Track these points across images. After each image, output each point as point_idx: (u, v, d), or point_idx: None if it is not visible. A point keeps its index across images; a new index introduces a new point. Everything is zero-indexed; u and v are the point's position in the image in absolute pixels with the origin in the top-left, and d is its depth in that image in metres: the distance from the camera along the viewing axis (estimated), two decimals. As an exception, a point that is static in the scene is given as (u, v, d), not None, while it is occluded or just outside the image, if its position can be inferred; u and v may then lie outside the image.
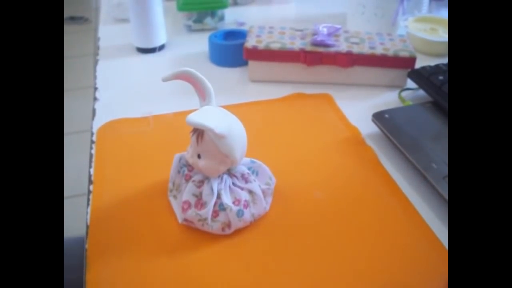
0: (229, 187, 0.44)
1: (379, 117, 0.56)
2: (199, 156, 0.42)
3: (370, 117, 0.57)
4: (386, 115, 0.57)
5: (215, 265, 0.41)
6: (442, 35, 0.78)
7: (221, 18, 0.86)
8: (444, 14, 0.91)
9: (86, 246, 0.42)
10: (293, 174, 0.51)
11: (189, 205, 0.43)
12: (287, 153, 0.54)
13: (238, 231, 0.44)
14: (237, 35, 0.75)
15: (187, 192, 0.43)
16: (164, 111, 0.61)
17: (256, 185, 0.45)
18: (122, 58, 0.76)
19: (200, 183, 0.44)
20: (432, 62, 0.67)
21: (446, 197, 0.45)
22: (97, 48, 0.81)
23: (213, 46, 0.73)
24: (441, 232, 0.44)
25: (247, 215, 0.43)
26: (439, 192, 0.46)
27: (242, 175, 0.45)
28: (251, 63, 0.68)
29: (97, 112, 0.62)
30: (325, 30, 0.68)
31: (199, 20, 0.85)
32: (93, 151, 0.54)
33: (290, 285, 0.39)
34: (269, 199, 0.46)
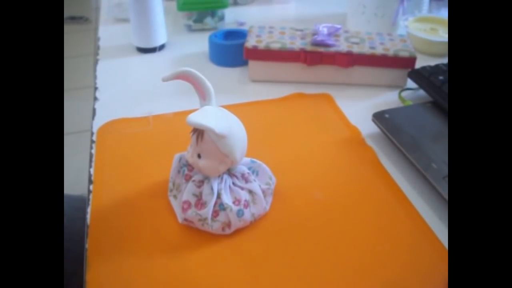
0: (229, 187, 0.44)
1: (379, 117, 0.56)
2: (199, 156, 0.42)
3: (370, 117, 0.57)
4: (386, 115, 0.57)
5: (215, 265, 0.41)
6: (442, 35, 0.78)
7: (221, 18, 0.86)
8: (444, 14, 0.91)
9: (86, 246, 0.42)
10: (293, 174, 0.51)
11: (189, 205, 0.43)
12: (287, 153, 0.54)
13: (238, 231, 0.44)
14: (237, 35, 0.75)
15: (187, 192, 0.43)
16: (164, 111, 0.61)
17: (256, 185, 0.45)
18: (122, 58, 0.76)
19: (200, 183, 0.44)
20: (432, 62, 0.67)
21: (446, 197, 0.45)
22: (97, 48, 0.81)
23: (213, 46, 0.73)
24: (441, 232, 0.44)
25: (247, 215, 0.43)
26: (439, 192, 0.46)
27: (242, 175, 0.45)
28: (251, 63, 0.68)
29: (97, 112, 0.62)
30: (325, 30, 0.68)
31: (199, 20, 0.85)
32: (93, 151, 0.54)
33: (290, 285, 0.39)
34: (269, 199, 0.46)
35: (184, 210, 0.43)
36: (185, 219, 0.43)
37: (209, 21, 0.85)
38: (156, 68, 0.73)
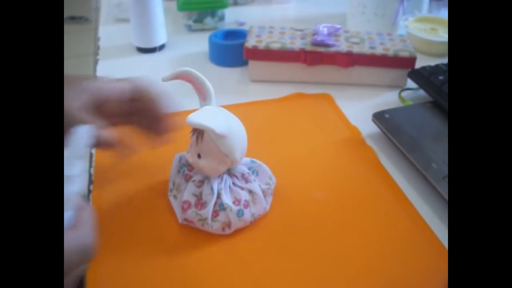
0: (229, 187, 0.44)
1: (379, 117, 0.56)
2: (199, 156, 0.42)
3: (370, 117, 0.57)
4: (386, 115, 0.57)
5: (215, 265, 0.41)
6: (442, 35, 0.78)
7: (221, 18, 0.86)
8: (444, 14, 0.91)
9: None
10: (293, 174, 0.51)
11: (189, 205, 0.43)
12: (287, 153, 0.54)
13: (238, 231, 0.44)
14: (237, 35, 0.75)
15: (187, 192, 0.43)
16: (164, 111, 0.61)
17: (256, 185, 0.45)
18: (122, 58, 0.76)
19: (200, 183, 0.44)
20: (432, 62, 0.67)
21: (446, 197, 0.45)
22: (97, 48, 0.81)
23: (213, 46, 0.73)
24: (441, 232, 0.44)
25: (247, 215, 0.43)
26: (439, 192, 0.46)
27: (242, 175, 0.45)
28: (251, 63, 0.68)
29: (97, 112, 0.62)
30: (325, 30, 0.68)
31: (199, 20, 0.85)
32: (93, 151, 0.54)
33: (290, 285, 0.39)
34: (269, 199, 0.46)
35: (184, 210, 0.43)
36: (185, 219, 0.43)
37: (209, 21, 0.85)
38: (156, 68, 0.73)
